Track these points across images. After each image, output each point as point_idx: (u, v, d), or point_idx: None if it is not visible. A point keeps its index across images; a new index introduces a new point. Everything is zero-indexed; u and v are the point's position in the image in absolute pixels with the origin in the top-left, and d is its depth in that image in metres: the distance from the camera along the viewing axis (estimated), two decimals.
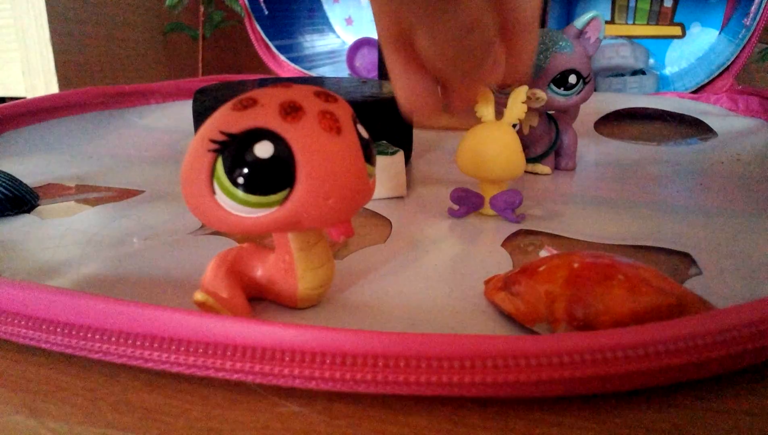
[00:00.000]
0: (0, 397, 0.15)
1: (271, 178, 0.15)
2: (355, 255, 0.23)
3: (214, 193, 0.15)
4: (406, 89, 0.21)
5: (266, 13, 0.72)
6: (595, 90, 0.63)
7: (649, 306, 0.16)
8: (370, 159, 0.17)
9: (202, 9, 0.69)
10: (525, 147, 0.33)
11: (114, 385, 0.15)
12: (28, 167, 0.36)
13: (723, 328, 0.15)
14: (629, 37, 0.69)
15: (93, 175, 0.35)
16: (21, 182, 0.29)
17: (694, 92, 0.59)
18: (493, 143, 0.26)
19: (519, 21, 0.21)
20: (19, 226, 0.26)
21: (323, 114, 0.16)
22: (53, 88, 0.62)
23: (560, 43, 0.32)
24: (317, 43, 0.82)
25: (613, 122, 0.51)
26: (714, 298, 0.19)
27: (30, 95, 0.63)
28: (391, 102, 0.36)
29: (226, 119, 0.15)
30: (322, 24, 0.85)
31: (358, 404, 0.14)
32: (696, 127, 0.49)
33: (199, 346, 0.14)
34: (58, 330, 0.16)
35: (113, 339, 0.15)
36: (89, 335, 0.15)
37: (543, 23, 0.31)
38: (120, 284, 0.21)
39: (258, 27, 0.70)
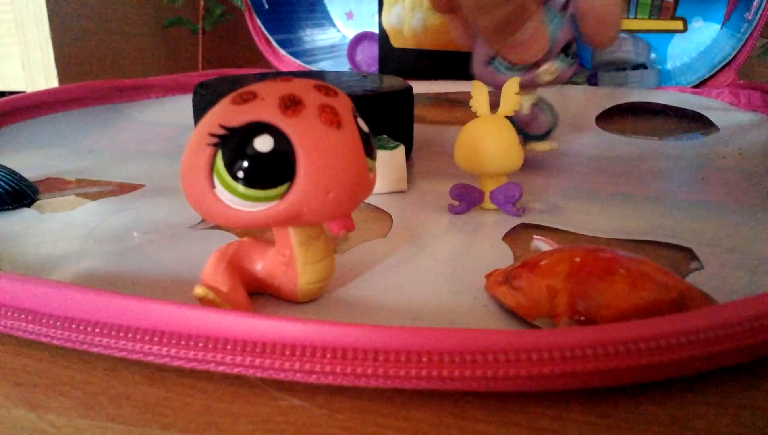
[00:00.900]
0: None
1: (271, 172, 0.15)
2: (355, 249, 0.23)
3: (213, 187, 0.15)
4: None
5: (266, 7, 0.71)
6: (596, 84, 0.63)
7: (651, 300, 0.16)
8: (370, 153, 0.17)
9: (202, 3, 0.68)
10: (526, 126, 0.33)
11: (114, 379, 0.15)
12: (28, 161, 0.36)
13: (725, 323, 0.15)
14: (630, 32, 0.69)
15: (93, 169, 0.35)
16: (21, 176, 0.29)
17: (696, 87, 0.59)
18: (489, 137, 0.26)
19: None
20: (19, 220, 0.26)
21: (323, 108, 0.16)
22: (53, 83, 0.62)
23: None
24: (318, 37, 0.82)
25: (615, 117, 0.51)
26: (716, 292, 0.19)
27: (30, 89, 0.63)
28: (392, 96, 0.36)
29: (225, 113, 0.15)
30: (323, 18, 0.85)
31: (360, 398, 0.14)
32: (697, 122, 0.49)
33: (199, 341, 0.14)
34: (58, 324, 0.16)
35: (113, 333, 0.15)
36: (89, 329, 0.15)
37: None
38: (120, 278, 0.21)
39: (258, 21, 0.70)
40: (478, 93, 0.27)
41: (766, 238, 0.24)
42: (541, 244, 0.24)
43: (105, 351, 0.15)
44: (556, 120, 0.35)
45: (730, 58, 0.58)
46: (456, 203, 0.28)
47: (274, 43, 0.71)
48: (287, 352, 0.14)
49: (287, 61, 0.71)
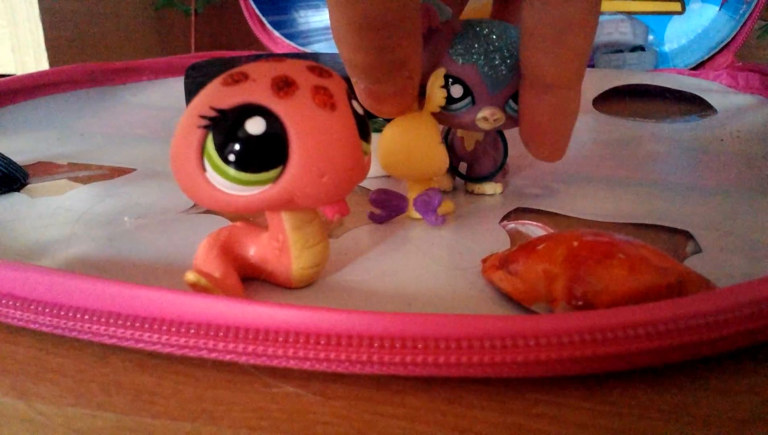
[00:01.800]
0: None
1: (264, 155, 0.15)
2: (350, 234, 0.23)
3: (204, 170, 0.15)
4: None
5: None
6: (593, 66, 0.62)
7: (650, 285, 0.16)
8: (365, 136, 0.17)
9: None
10: (469, 166, 0.28)
11: (104, 367, 0.15)
12: (18, 145, 0.35)
13: (724, 308, 0.14)
14: (628, 13, 0.68)
15: (84, 152, 0.34)
16: (10, 160, 0.28)
17: (694, 69, 0.59)
18: (413, 137, 0.23)
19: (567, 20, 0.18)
20: (9, 204, 0.26)
21: (317, 89, 0.15)
22: (43, 65, 0.61)
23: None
24: (312, 18, 0.81)
25: (612, 99, 0.51)
26: (714, 276, 0.19)
27: (19, 72, 0.62)
28: None
29: (216, 94, 0.15)
30: None
31: (354, 385, 0.14)
32: (695, 104, 0.48)
33: (191, 327, 0.14)
34: (47, 311, 0.15)
35: (103, 320, 0.15)
36: (79, 316, 0.15)
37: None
38: (111, 264, 0.20)
39: (251, 2, 0.69)
40: None
41: (764, 222, 0.24)
42: (533, 229, 0.24)
43: (95, 338, 0.15)
44: (504, 160, 0.28)
45: (729, 40, 0.58)
46: (377, 211, 0.24)
47: (268, 25, 0.70)
48: (280, 339, 0.14)
49: (281, 43, 0.70)
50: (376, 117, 0.32)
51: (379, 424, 0.13)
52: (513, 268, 0.18)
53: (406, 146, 0.23)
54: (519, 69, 0.22)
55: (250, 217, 0.24)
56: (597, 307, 0.16)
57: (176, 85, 0.50)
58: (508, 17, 0.25)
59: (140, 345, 0.14)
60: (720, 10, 0.68)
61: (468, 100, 0.23)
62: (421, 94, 0.23)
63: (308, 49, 0.70)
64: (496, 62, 0.22)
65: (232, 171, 0.15)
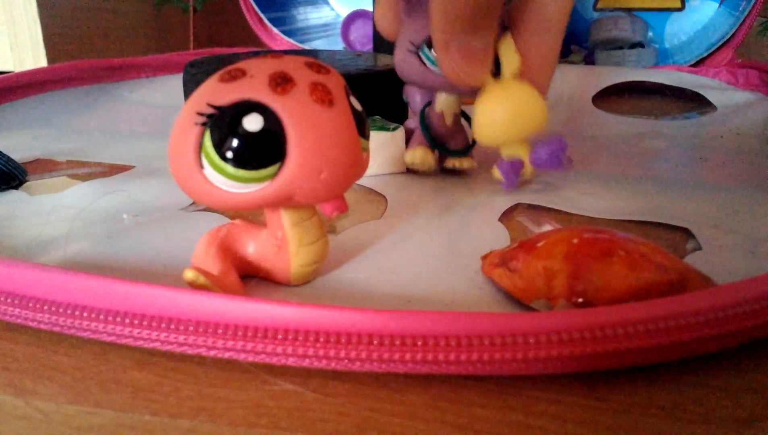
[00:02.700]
0: None
1: (262, 151, 0.15)
2: (349, 231, 0.23)
3: (202, 167, 0.15)
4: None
5: None
6: (593, 63, 0.62)
7: (650, 282, 0.16)
8: (363, 132, 0.17)
9: None
10: (445, 140, 0.29)
11: (103, 364, 0.15)
12: (17, 142, 0.35)
13: (724, 305, 0.14)
14: (628, 10, 0.68)
15: (82, 150, 0.34)
16: (9, 158, 0.28)
17: (694, 66, 0.59)
18: (516, 98, 0.23)
19: (541, 19, 0.21)
20: (7, 202, 0.26)
21: (315, 85, 0.15)
22: (41, 62, 0.61)
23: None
24: (311, 15, 0.81)
25: (612, 96, 0.51)
26: (714, 273, 0.19)
27: (18, 69, 0.62)
28: (386, 75, 0.35)
29: (213, 91, 0.15)
30: None
31: (353, 383, 0.14)
32: (695, 101, 0.48)
33: (190, 325, 0.14)
34: (46, 308, 0.15)
35: (102, 317, 0.15)
36: (78, 313, 0.15)
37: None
38: (109, 262, 0.20)
39: None
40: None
41: (764, 219, 0.24)
42: (546, 226, 0.24)
43: (94, 335, 0.15)
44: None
45: (728, 36, 0.58)
46: (505, 179, 0.26)
47: (267, 22, 0.70)
48: (279, 336, 0.14)
49: (280, 40, 0.70)
50: (374, 115, 0.32)
51: (378, 422, 0.13)
52: (512, 265, 0.18)
53: (511, 109, 0.23)
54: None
55: (249, 215, 0.24)
56: (597, 305, 0.16)
57: (175, 82, 0.50)
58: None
59: (139, 343, 0.14)
60: (720, 6, 0.68)
61: None
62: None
63: (307, 46, 0.70)
64: None
65: (230, 168, 0.15)
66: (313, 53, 0.45)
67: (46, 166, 0.31)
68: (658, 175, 0.30)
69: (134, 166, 0.31)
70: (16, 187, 0.28)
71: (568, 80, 0.53)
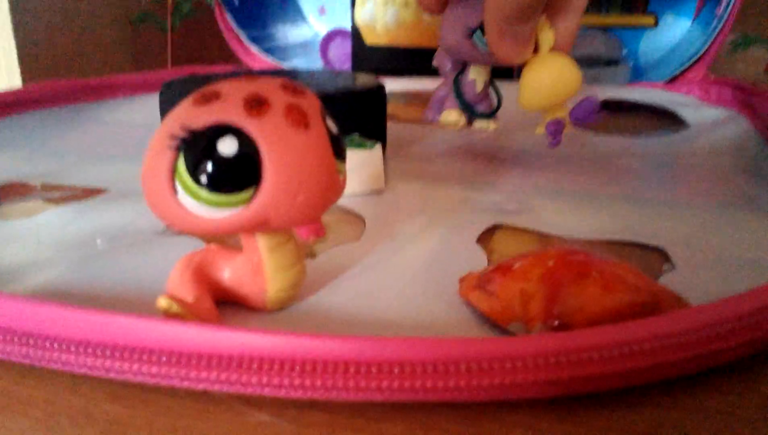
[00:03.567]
0: None
1: (236, 175, 0.15)
2: (327, 254, 0.23)
3: (176, 192, 0.15)
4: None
5: (236, 3, 0.70)
6: None
7: (624, 303, 0.16)
8: (340, 155, 0.17)
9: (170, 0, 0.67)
10: (477, 103, 0.34)
11: (75, 397, 0.15)
12: None
13: (698, 327, 0.14)
14: (602, 27, 0.69)
15: (57, 173, 0.34)
16: None
17: (668, 83, 0.60)
18: (557, 69, 0.28)
19: (570, 4, 0.27)
20: None
21: (290, 108, 0.15)
22: (16, 82, 0.61)
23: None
24: (290, 33, 0.81)
25: None
26: (688, 293, 0.19)
27: None
28: (364, 94, 0.35)
29: (187, 114, 0.15)
30: (295, 14, 0.84)
31: (330, 412, 0.14)
32: (669, 119, 0.49)
33: (162, 355, 0.14)
34: (16, 340, 0.15)
35: (73, 349, 0.14)
36: (48, 345, 0.15)
37: None
38: (82, 289, 0.20)
39: (229, 17, 0.69)
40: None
41: (737, 237, 0.25)
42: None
43: (65, 368, 0.14)
44: (500, 102, 0.35)
45: (701, 53, 0.59)
46: (553, 138, 0.30)
47: (245, 40, 0.70)
48: (254, 366, 0.13)
49: (259, 59, 0.70)
50: (350, 134, 0.32)
51: None
52: (490, 287, 0.18)
53: (552, 78, 0.28)
54: None
55: (225, 239, 0.24)
56: (573, 327, 0.16)
57: (152, 102, 0.50)
58: None
59: (111, 374, 0.14)
60: (692, 23, 0.70)
61: None
62: None
63: (286, 65, 0.70)
64: None
65: (204, 192, 0.15)
66: (291, 72, 0.45)
67: (19, 190, 0.31)
68: (634, 194, 0.31)
69: (109, 189, 0.31)
70: None
71: None
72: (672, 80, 0.60)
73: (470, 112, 0.33)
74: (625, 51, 0.69)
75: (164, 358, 0.14)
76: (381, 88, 0.37)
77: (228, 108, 0.15)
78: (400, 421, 0.14)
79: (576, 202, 0.29)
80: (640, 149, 0.41)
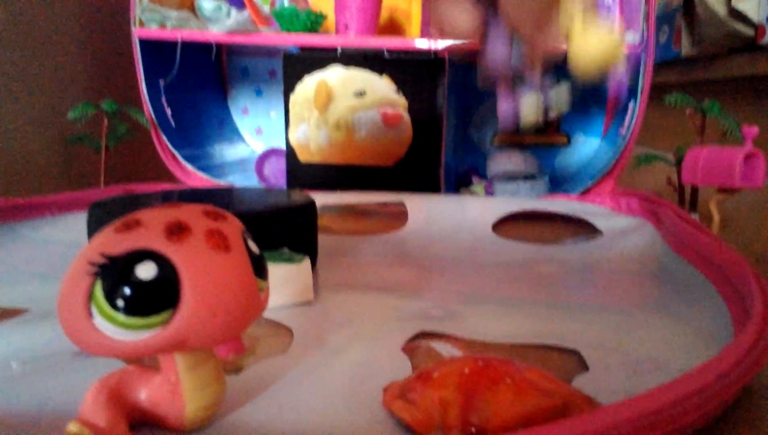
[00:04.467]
0: None
1: (154, 298, 0.15)
2: (253, 368, 0.23)
3: (91, 317, 0.15)
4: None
5: (173, 125, 0.72)
6: (492, 193, 0.67)
7: (536, 408, 0.17)
8: (261, 273, 0.18)
9: (105, 122, 0.68)
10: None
11: None
12: None
13: (603, 428, 0.15)
14: (520, 145, 0.75)
15: None
16: None
17: (581, 194, 0.64)
18: (601, 42, 0.33)
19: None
20: None
21: (211, 233, 0.16)
22: None
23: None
24: (227, 152, 0.83)
25: (509, 224, 0.54)
26: (601, 394, 0.20)
27: None
28: (295, 211, 0.36)
29: (107, 241, 0.15)
30: (232, 134, 0.87)
31: None
32: (584, 227, 0.53)
33: None
34: None
35: None
36: None
37: None
38: None
39: (164, 138, 0.71)
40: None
41: (644, 338, 0.26)
42: (446, 348, 0.25)
43: None
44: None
45: (610, 168, 0.64)
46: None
47: (181, 159, 0.71)
48: None
49: (194, 176, 0.71)
50: (280, 249, 0.33)
51: None
52: (411, 396, 0.19)
53: (597, 50, 0.34)
54: None
55: (144, 359, 0.23)
56: (489, 433, 0.17)
57: (81, 220, 0.49)
58: None
59: None
60: (601, 141, 0.76)
61: None
62: None
63: (222, 181, 0.72)
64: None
65: (121, 317, 0.15)
66: (226, 190, 0.46)
67: None
68: (550, 299, 0.32)
69: (30, 310, 0.30)
70: None
71: (470, 209, 0.56)
72: (585, 192, 0.64)
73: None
74: (542, 166, 0.74)
75: None
76: (311, 204, 0.38)
77: (148, 234, 0.15)
78: None
79: (498, 308, 0.30)
80: (558, 256, 0.43)
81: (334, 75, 0.64)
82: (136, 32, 0.66)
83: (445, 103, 0.64)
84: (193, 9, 0.68)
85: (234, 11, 0.64)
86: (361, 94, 0.63)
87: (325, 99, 0.63)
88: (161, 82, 0.71)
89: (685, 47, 0.73)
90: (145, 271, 0.15)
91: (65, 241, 0.46)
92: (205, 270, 0.15)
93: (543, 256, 0.43)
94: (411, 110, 0.64)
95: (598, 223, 0.52)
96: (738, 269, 0.28)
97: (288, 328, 0.27)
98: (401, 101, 0.64)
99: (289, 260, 0.31)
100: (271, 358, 0.24)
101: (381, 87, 0.64)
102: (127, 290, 0.15)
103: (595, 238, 0.48)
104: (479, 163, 0.77)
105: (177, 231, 0.15)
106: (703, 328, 0.27)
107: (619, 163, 0.64)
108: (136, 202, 0.32)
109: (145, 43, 0.67)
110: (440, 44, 0.62)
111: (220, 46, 0.83)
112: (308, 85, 0.65)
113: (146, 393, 0.17)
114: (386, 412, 0.20)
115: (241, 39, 0.65)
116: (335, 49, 0.65)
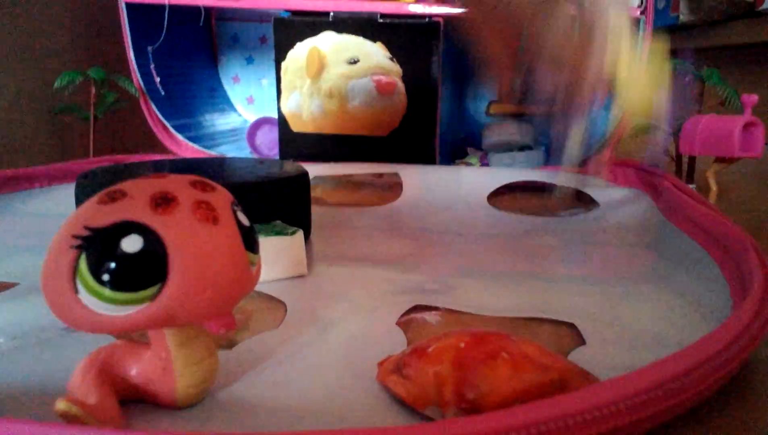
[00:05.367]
0: None
1: (140, 273, 0.15)
2: (246, 343, 0.22)
3: (77, 292, 0.14)
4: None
5: (162, 93, 0.71)
6: (487, 164, 0.66)
7: (533, 383, 0.17)
8: (252, 247, 0.17)
9: (93, 90, 0.67)
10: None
11: None
12: None
13: (603, 403, 0.15)
14: (515, 115, 0.74)
15: None
16: None
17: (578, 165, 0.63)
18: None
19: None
20: None
21: (198, 204, 0.15)
22: None
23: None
24: (218, 121, 0.82)
25: (505, 195, 0.54)
26: (597, 367, 0.19)
27: None
28: (287, 181, 0.36)
29: (91, 213, 0.15)
30: (223, 103, 0.85)
31: None
32: (580, 199, 0.52)
33: None
34: None
35: None
36: None
37: None
38: None
39: (154, 107, 0.69)
40: None
41: (643, 311, 0.26)
42: (430, 316, 0.24)
43: None
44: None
45: (607, 137, 0.63)
46: None
47: (171, 129, 0.70)
48: None
49: (185, 146, 0.70)
50: (276, 220, 0.32)
51: None
52: (406, 371, 0.18)
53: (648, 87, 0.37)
54: None
55: (134, 335, 0.23)
56: (485, 409, 0.16)
57: (71, 191, 0.49)
58: None
59: None
60: (599, 112, 0.76)
61: None
62: None
63: (214, 152, 0.71)
64: None
65: (107, 291, 0.14)
66: (217, 160, 0.45)
67: None
68: (546, 271, 0.32)
69: (18, 283, 0.29)
70: None
71: (466, 181, 0.56)
72: (582, 163, 0.64)
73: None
74: (537, 136, 0.74)
75: None
76: (304, 175, 0.38)
77: (134, 206, 0.15)
78: None
79: (493, 281, 0.30)
80: (555, 228, 0.43)
81: (327, 41, 0.63)
82: None
83: (440, 72, 0.63)
84: None
85: None
86: (354, 61, 0.62)
87: (318, 66, 0.62)
88: (149, 50, 0.69)
89: (684, 13, 0.72)
90: (131, 244, 0.14)
91: (55, 213, 0.45)
92: (192, 243, 0.15)
93: (539, 228, 0.43)
94: (405, 79, 0.63)
95: (595, 194, 0.51)
96: (737, 241, 0.27)
97: (281, 302, 0.27)
98: (395, 69, 0.63)
99: (282, 233, 0.30)
100: (264, 333, 0.23)
101: (374, 54, 0.62)
102: (112, 264, 0.14)
103: (592, 210, 0.48)
104: (474, 134, 0.76)
105: (163, 202, 0.15)
106: (701, 301, 0.26)
107: (616, 132, 0.63)
108: (124, 173, 0.31)
109: (132, 8, 0.66)
110: (434, 9, 0.61)
111: (209, 11, 0.81)
112: (300, 53, 0.63)
113: (137, 369, 0.17)
114: (381, 386, 0.19)
115: (230, 2, 0.63)
116: (327, 14, 0.63)
